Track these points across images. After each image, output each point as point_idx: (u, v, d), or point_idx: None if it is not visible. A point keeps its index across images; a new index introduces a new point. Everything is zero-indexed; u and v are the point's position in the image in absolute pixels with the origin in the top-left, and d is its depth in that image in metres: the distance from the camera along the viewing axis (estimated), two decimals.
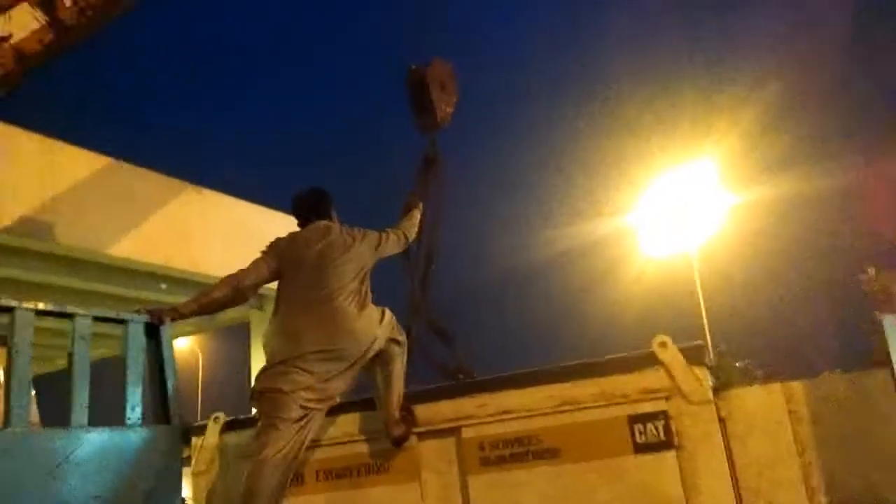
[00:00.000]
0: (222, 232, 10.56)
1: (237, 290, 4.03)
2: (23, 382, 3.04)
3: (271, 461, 3.55)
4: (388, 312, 4.14)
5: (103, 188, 9.39)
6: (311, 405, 3.72)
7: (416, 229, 4.76)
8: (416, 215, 4.80)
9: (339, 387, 3.89)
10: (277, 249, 4.19)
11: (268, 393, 3.70)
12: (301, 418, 3.67)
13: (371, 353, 3.94)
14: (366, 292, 4.06)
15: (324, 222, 4.27)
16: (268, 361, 3.88)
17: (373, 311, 4.02)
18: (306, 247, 4.12)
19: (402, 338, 4.18)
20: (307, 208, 4.37)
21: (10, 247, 8.70)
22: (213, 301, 4.06)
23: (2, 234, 8.32)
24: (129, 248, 9.40)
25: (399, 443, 4.02)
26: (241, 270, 4.07)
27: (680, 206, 18.46)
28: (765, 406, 3.33)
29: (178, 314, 4.11)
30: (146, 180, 10.08)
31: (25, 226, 8.47)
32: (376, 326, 3.98)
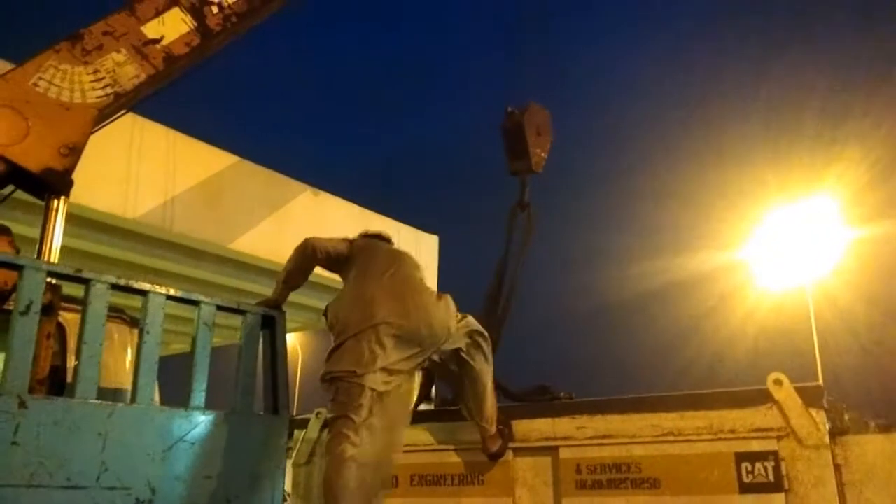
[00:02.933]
0: (334, 234, 10.92)
1: (306, 254, 3.94)
2: (150, 362, 3.25)
3: (355, 462, 3.31)
4: (470, 317, 3.94)
5: (228, 185, 9.85)
6: (387, 387, 3.45)
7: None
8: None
9: (410, 373, 3.66)
10: (355, 242, 4.09)
11: (340, 378, 3.45)
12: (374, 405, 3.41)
13: (445, 347, 3.72)
14: None
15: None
16: (336, 333, 3.62)
17: (450, 303, 3.80)
18: (379, 251, 4.02)
19: (489, 348, 3.99)
20: (380, 235, 4.25)
21: (142, 234, 9.28)
22: (289, 272, 4.01)
23: (132, 223, 8.89)
24: (248, 243, 9.84)
25: (495, 458, 4.01)
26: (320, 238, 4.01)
27: (797, 239, 17.63)
28: (886, 457, 3.14)
29: (274, 302, 4.05)
30: (266, 180, 10.51)
31: (154, 216, 9.00)
32: (453, 319, 3.74)
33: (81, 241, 8.67)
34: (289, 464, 4.53)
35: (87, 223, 8.36)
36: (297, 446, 4.74)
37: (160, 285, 3.46)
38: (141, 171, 8.85)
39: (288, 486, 4.62)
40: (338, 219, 11.27)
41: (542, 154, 5.34)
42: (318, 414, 4.76)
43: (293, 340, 27.04)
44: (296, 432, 4.72)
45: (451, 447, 4.21)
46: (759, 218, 18.99)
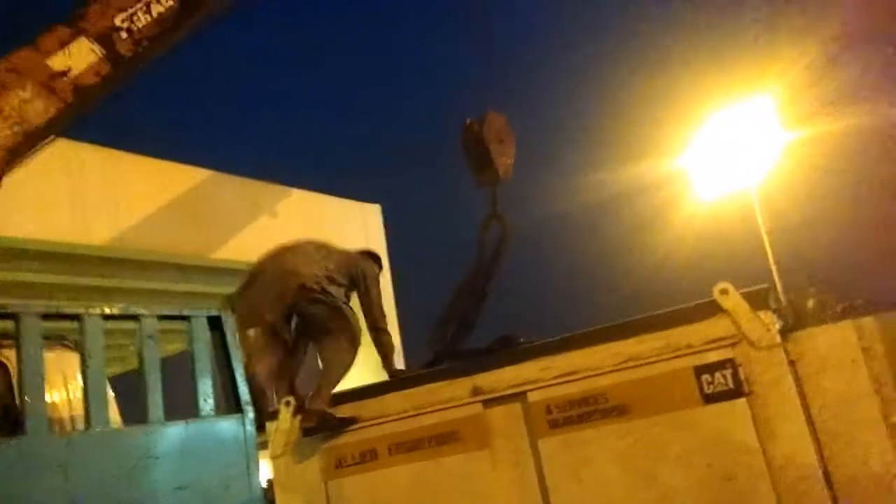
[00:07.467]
0: (306, 230, 10.91)
1: None
2: (98, 385, 3.17)
3: None
4: None
5: (202, 199, 9.71)
6: None
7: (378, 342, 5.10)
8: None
9: None
10: None
11: None
12: None
13: None
14: None
15: None
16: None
17: None
18: None
19: None
20: None
21: (117, 259, 9.15)
22: None
23: (116, 249, 8.79)
24: (225, 251, 9.72)
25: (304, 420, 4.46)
26: None
27: (735, 144, 17.84)
28: (837, 345, 3.22)
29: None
30: (234, 187, 10.39)
31: (127, 238, 8.89)
32: None
33: (39, 275, 8.52)
34: (266, 457, 4.52)
35: (40, 255, 8.18)
36: (272, 438, 4.70)
37: (97, 305, 3.35)
38: (85, 194, 8.65)
39: (271, 478, 4.60)
40: (306, 213, 11.23)
41: (509, 161, 5.20)
42: (286, 403, 4.72)
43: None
44: (268, 425, 4.68)
45: (423, 411, 4.21)
46: (700, 122, 19.08)
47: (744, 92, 19.02)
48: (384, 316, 5.22)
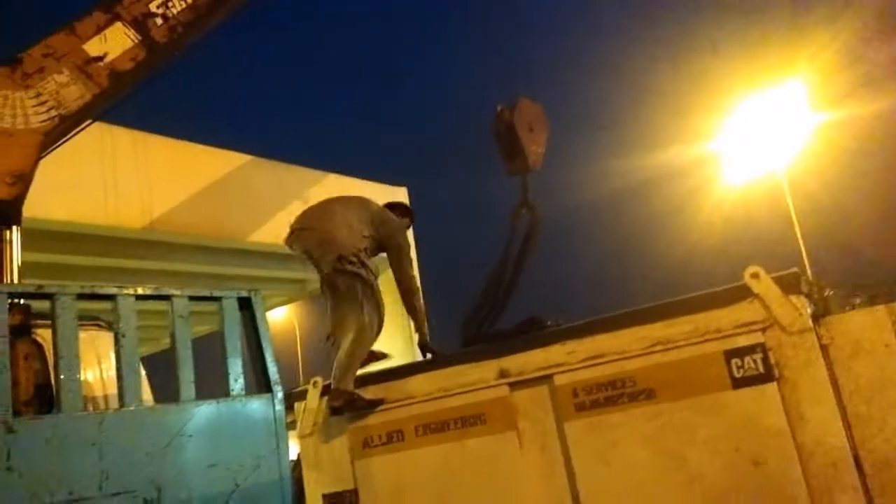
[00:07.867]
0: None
1: None
2: (131, 365, 3.22)
3: None
4: None
5: (234, 183, 9.80)
6: None
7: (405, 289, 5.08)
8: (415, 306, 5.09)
9: None
10: None
11: None
12: None
13: None
14: None
15: None
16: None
17: None
18: None
19: None
20: None
21: (150, 241, 9.28)
22: None
23: (148, 231, 8.93)
24: (258, 234, 9.79)
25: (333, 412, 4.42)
26: None
27: (766, 128, 17.57)
28: (870, 330, 3.17)
29: None
30: (266, 170, 10.44)
31: (169, 222, 9.01)
32: None
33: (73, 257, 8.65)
34: (294, 436, 4.58)
35: (74, 238, 8.33)
36: (300, 418, 4.75)
37: (131, 286, 3.41)
38: (118, 177, 8.78)
39: (299, 456, 4.65)
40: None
41: (539, 150, 5.15)
42: (314, 383, 4.77)
43: (287, 314, 27.01)
44: (296, 405, 4.73)
45: (449, 393, 4.23)
46: (731, 108, 18.84)
47: (775, 76, 18.72)
48: (415, 279, 5.17)
